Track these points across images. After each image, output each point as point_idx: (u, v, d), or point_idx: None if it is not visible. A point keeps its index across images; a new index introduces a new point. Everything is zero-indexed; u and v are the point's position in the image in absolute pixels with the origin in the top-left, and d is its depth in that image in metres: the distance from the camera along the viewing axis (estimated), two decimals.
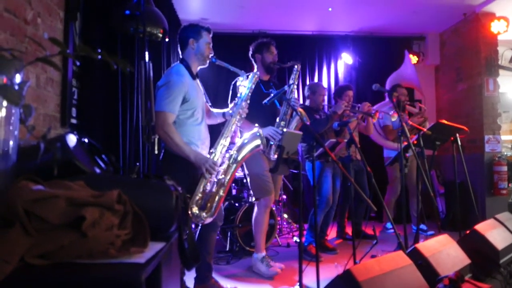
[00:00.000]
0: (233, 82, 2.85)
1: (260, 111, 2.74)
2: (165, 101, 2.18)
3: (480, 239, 2.37)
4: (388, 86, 4.78)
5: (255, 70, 3.03)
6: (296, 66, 3.03)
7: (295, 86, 3.03)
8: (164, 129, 2.16)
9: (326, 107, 4.03)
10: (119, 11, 2.59)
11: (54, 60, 0.81)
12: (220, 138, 2.34)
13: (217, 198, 2.26)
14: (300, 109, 2.97)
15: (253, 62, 3.12)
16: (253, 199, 3.45)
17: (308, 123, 2.95)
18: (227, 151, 2.36)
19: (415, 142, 2.95)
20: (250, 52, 3.12)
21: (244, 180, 3.95)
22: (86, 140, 1.13)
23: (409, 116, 4.24)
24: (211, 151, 2.33)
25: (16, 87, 0.77)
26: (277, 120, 2.89)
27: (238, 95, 2.50)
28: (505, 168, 4.44)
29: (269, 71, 3.06)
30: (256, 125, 2.48)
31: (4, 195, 0.75)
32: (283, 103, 2.88)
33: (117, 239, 0.79)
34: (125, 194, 0.88)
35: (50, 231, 0.74)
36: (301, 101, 4.46)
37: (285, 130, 2.59)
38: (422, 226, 4.20)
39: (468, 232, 2.48)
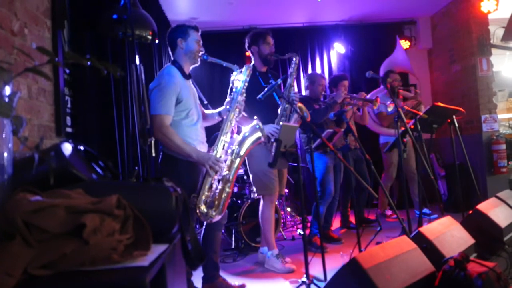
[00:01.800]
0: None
1: (260, 104, 2.71)
2: (159, 103, 2.17)
3: (483, 219, 2.38)
4: (381, 73, 4.77)
5: (252, 62, 2.99)
6: (294, 59, 2.97)
7: (294, 79, 2.97)
8: (162, 131, 2.15)
9: (323, 97, 4.02)
10: (107, 16, 2.57)
11: (44, 70, 0.80)
12: (220, 135, 2.34)
13: (224, 194, 2.26)
14: (300, 104, 2.95)
15: (250, 54, 3.06)
16: (255, 195, 3.46)
17: (308, 117, 2.93)
18: (228, 146, 2.35)
19: (412, 126, 2.95)
20: (246, 44, 3.05)
21: (245, 177, 3.95)
22: (82, 148, 1.13)
23: (403, 100, 4.24)
24: (212, 148, 2.33)
25: (6, 99, 0.76)
26: (278, 116, 2.87)
27: (234, 89, 2.48)
28: (503, 147, 4.45)
29: (266, 62, 3.00)
30: (255, 117, 2.47)
31: (2, 208, 0.75)
32: (282, 99, 2.84)
33: (119, 244, 0.79)
34: (125, 198, 0.88)
35: (51, 241, 0.74)
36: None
37: (281, 123, 2.58)
38: (425, 210, 4.21)
39: (470, 212, 2.49)
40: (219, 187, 2.26)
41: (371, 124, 4.33)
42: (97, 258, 0.75)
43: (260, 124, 2.37)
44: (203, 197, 2.21)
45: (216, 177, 2.26)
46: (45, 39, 2.26)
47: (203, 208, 2.20)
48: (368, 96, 4.12)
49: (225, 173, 2.28)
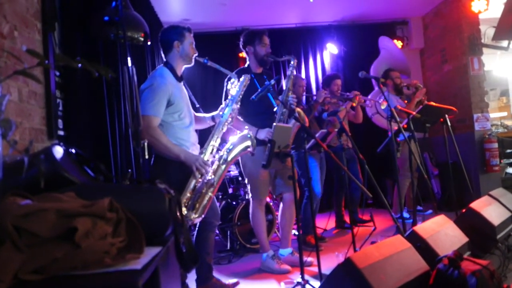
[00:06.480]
0: (225, 82, 2.78)
1: (255, 106, 2.69)
2: (149, 104, 2.16)
3: (476, 217, 2.40)
4: (372, 72, 4.79)
5: (247, 63, 2.96)
6: (292, 62, 2.93)
7: (291, 82, 2.93)
8: (149, 132, 2.14)
9: (305, 98, 4.06)
10: (98, 17, 2.55)
11: (35, 73, 0.79)
12: (210, 139, 2.33)
13: (206, 199, 2.24)
14: (298, 109, 2.93)
15: (245, 54, 2.99)
16: (250, 196, 3.45)
17: (306, 123, 2.91)
18: (217, 151, 2.34)
19: (405, 126, 2.97)
20: (241, 44, 2.97)
21: (240, 178, 3.94)
22: (73, 151, 1.11)
23: (413, 95, 4.18)
24: (201, 150, 2.32)
25: None
26: (275, 121, 2.84)
27: (229, 97, 2.47)
28: (496, 145, 4.49)
29: (262, 63, 2.93)
30: (246, 127, 2.45)
31: None
32: (279, 104, 2.78)
33: (111, 247, 0.78)
34: (117, 201, 0.87)
35: (41, 245, 0.73)
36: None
37: (274, 124, 2.57)
38: (418, 208, 4.22)
39: (464, 210, 2.50)
40: (202, 190, 2.24)
41: (381, 121, 4.31)
42: (89, 261, 0.75)
43: (251, 133, 2.36)
44: (185, 199, 2.19)
45: (200, 180, 2.25)
46: (35, 42, 2.24)
47: (183, 210, 2.18)
48: (368, 98, 4.16)
49: (210, 178, 2.27)
